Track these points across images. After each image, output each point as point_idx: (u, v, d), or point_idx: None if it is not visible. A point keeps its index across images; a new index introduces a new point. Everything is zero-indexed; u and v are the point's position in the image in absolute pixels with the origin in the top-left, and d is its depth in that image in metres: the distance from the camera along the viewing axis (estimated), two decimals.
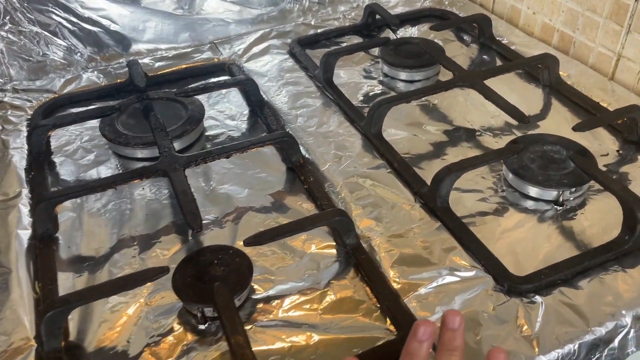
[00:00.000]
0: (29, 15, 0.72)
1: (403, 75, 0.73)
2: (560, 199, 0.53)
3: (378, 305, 0.45)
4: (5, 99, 0.70)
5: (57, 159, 0.62)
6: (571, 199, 0.54)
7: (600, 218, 0.52)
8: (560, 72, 0.70)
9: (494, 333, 0.42)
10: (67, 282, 0.48)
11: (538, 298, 0.44)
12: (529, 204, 0.54)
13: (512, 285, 0.45)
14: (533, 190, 0.54)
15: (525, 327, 0.42)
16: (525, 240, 0.50)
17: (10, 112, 0.68)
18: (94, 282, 0.48)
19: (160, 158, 0.55)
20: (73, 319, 0.45)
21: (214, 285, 0.43)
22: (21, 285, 0.47)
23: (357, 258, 0.48)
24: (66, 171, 0.61)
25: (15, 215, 0.54)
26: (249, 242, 0.45)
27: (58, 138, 0.65)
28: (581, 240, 0.50)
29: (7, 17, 0.71)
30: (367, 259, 0.48)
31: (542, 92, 0.70)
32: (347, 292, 0.46)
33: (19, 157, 0.61)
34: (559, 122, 0.65)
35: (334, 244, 0.50)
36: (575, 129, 0.57)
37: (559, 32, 0.78)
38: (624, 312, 0.43)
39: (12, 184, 0.57)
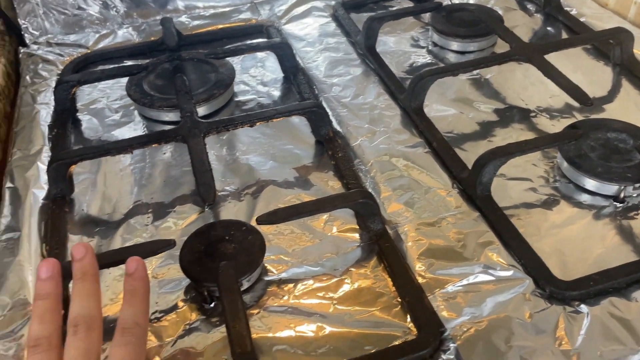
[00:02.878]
0: None
1: (454, 45, 0.67)
2: (621, 195, 0.46)
3: (399, 300, 0.41)
4: (38, 52, 0.69)
5: (82, 117, 0.60)
6: (634, 195, 0.47)
7: None
8: (635, 50, 0.62)
9: (528, 344, 0.37)
10: None
11: (584, 307, 0.39)
12: (584, 198, 0.48)
13: (554, 290, 0.39)
14: (590, 183, 0.47)
15: (565, 341, 0.37)
16: (576, 239, 0.44)
17: (41, 65, 0.67)
18: (105, 247, 0.46)
19: (181, 123, 0.52)
20: None
21: (219, 265, 0.39)
22: (30, 247, 0.45)
23: (380, 245, 0.44)
24: (90, 130, 0.59)
25: (33, 172, 0.52)
26: (261, 221, 0.41)
27: (86, 95, 0.63)
28: None
29: None
30: (391, 247, 0.43)
31: (612, 71, 0.62)
32: (366, 283, 0.42)
33: (45, 113, 0.60)
34: (628, 107, 0.57)
35: (358, 227, 0.46)
36: None
37: (636, 4, 0.69)
38: None
39: (35, 140, 0.56)
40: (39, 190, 0.50)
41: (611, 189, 0.47)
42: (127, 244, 0.46)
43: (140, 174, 0.53)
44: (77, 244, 0.37)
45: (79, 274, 0.36)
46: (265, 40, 0.68)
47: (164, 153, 0.55)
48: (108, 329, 0.39)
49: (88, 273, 0.36)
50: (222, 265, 0.39)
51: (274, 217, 0.42)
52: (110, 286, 0.43)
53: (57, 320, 0.34)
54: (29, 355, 0.33)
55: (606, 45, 0.63)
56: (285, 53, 0.62)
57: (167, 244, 0.40)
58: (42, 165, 0.53)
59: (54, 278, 0.35)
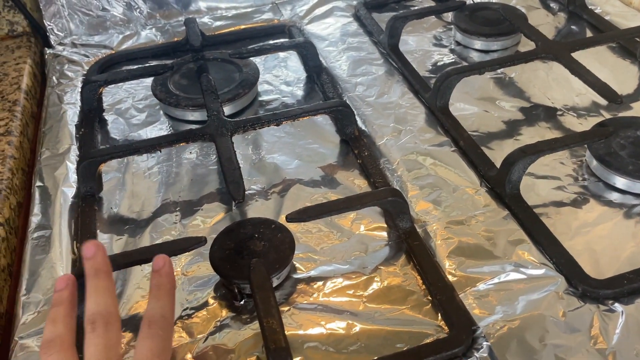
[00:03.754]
0: None
1: (478, 44, 0.66)
2: None
3: (429, 299, 0.40)
4: (64, 53, 0.69)
5: (108, 117, 0.61)
6: None
7: None
8: None
9: (563, 342, 0.36)
10: (106, 244, 0.47)
11: (618, 306, 0.38)
12: (614, 196, 0.47)
13: (587, 289, 0.39)
14: (620, 181, 0.47)
15: (600, 339, 0.36)
16: (607, 238, 0.44)
17: (67, 66, 0.67)
18: (134, 245, 0.46)
19: (208, 122, 0.52)
20: None
21: (250, 262, 0.39)
22: (61, 244, 0.46)
23: (409, 244, 0.43)
24: (116, 129, 0.59)
25: (62, 171, 0.53)
26: (292, 218, 0.41)
27: (112, 95, 0.63)
28: None
29: None
30: (420, 245, 0.43)
31: (638, 70, 0.61)
32: (396, 281, 0.42)
33: (72, 113, 0.60)
34: None
35: (386, 225, 0.46)
36: None
37: None
38: None
39: (63, 140, 0.57)
40: (68, 189, 0.51)
41: None
42: (156, 242, 0.46)
43: (167, 173, 0.53)
44: (87, 242, 0.36)
45: (92, 272, 0.35)
46: (288, 40, 0.68)
47: (190, 152, 0.55)
48: (138, 325, 0.40)
49: (101, 270, 0.35)
50: (254, 262, 0.39)
51: (305, 214, 0.42)
52: (141, 284, 0.43)
53: (70, 323, 0.34)
54: (42, 357, 0.32)
55: (632, 44, 0.63)
56: (309, 52, 0.62)
57: (198, 241, 0.40)
58: (71, 164, 0.53)
59: (69, 288, 0.35)
